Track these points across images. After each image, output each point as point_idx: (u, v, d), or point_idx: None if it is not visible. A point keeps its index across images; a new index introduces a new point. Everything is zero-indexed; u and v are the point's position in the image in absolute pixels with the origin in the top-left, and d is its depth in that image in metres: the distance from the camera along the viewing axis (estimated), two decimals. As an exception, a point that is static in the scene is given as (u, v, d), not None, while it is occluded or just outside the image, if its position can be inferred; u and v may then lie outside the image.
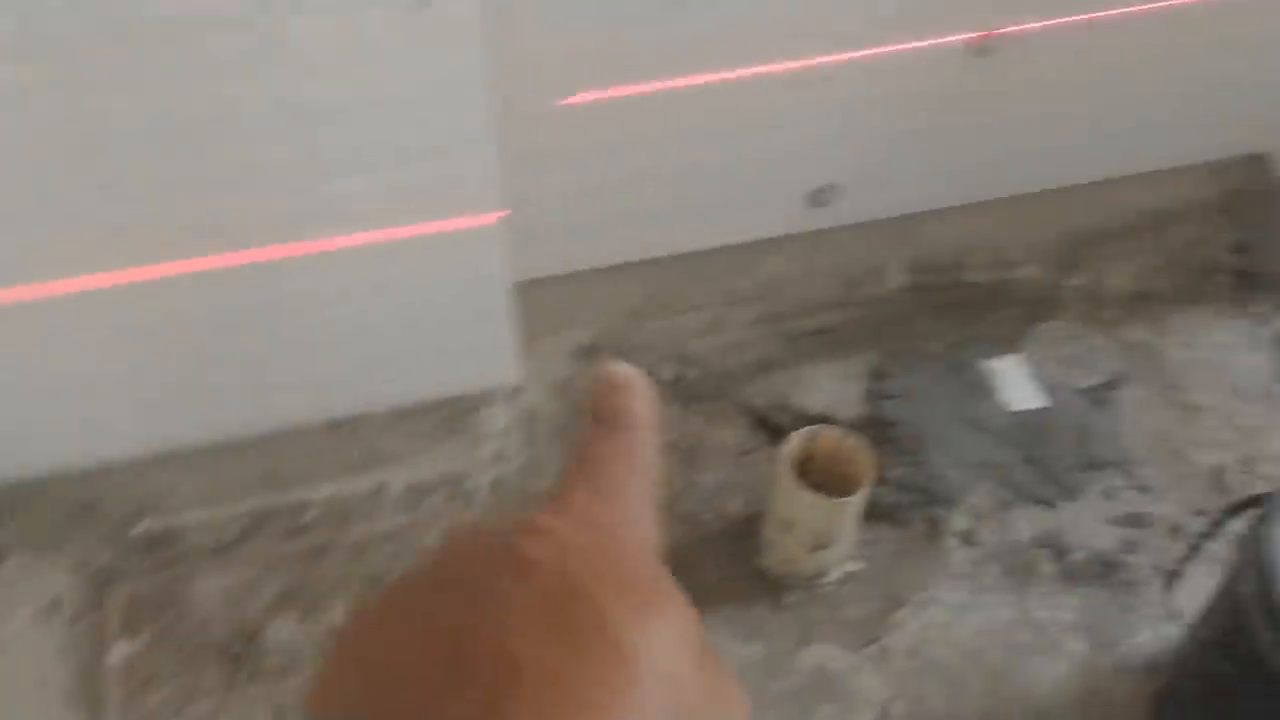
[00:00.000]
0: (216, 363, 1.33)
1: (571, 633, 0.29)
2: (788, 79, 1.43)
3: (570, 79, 1.35)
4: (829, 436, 1.49)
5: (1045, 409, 1.71)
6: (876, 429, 1.70)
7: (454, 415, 1.57)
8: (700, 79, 1.41)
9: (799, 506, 1.44)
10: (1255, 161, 1.80)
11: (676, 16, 1.33)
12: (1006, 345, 1.79)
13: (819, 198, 1.61)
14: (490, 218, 1.24)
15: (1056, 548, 1.58)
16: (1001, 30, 1.46)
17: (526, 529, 0.33)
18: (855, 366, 1.77)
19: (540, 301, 1.68)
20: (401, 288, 1.31)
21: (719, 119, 1.47)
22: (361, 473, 1.60)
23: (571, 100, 1.37)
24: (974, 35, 1.46)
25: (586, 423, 0.38)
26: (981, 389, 1.74)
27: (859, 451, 1.46)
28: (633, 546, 0.34)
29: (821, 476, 1.54)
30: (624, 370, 0.38)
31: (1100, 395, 1.73)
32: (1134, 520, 1.61)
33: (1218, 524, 1.29)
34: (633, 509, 0.35)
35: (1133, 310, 1.83)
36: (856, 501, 1.43)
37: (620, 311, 1.74)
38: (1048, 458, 1.67)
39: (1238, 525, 1.29)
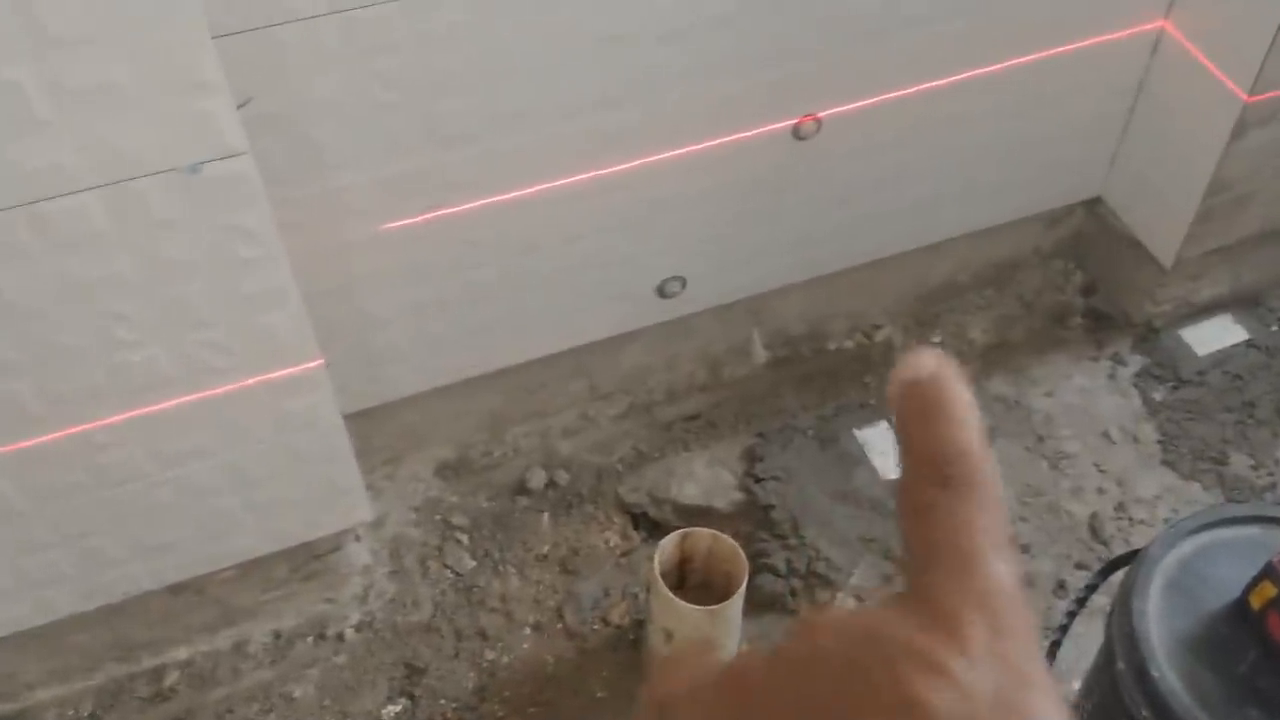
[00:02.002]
0: (44, 546, 1.24)
1: None
2: (622, 179, 1.41)
3: (395, 204, 1.31)
4: (701, 537, 1.46)
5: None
6: (755, 514, 1.68)
7: (310, 559, 1.50)
8: (531, 190, 1.38)
9: (677, 617, 1.40)
10: (1091, 206, 1.84)
11: (500, 132, 1.30)
12: (874, 411, 1.78)
13: (667, 289, 1.59)
14: (310, 364, 1.18)
15: (943, 618, 1.57)
16: (824, 112, 1.46)
17: (920, 661, 0.28)
18: (728, 450, 1.74)
19: (397, 424, 1.62)
20: (229, 445, 1.24)
21: (556, 225, 1.44)
22: (218, 631, 1.51)
23: (395, 224, 1.32)
24: (798, 119, 1.46)
25: (913, 463, 0.32)
26: (854, 459, 1.73)
27: (734, 550, 1.43)
28: (1046, 702, 0.29)
29: (701, 576, 1.50)
30: (932, 365, 0.33)
31: (971, 453, 1.73)
32: (1016, 580, 1.61)
33: (1081, 601, 1.28)
34: (1032, 639, 0.30)
35: (993, 362, 1.85)
36: (733, 605, 1.39)
37: (482, 422, 1.69)
38: (926, 524, 1.66)
39: (1116, 576, 1.29)
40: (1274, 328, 1.84)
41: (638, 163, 1.41)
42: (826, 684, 0.29)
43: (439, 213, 1.35)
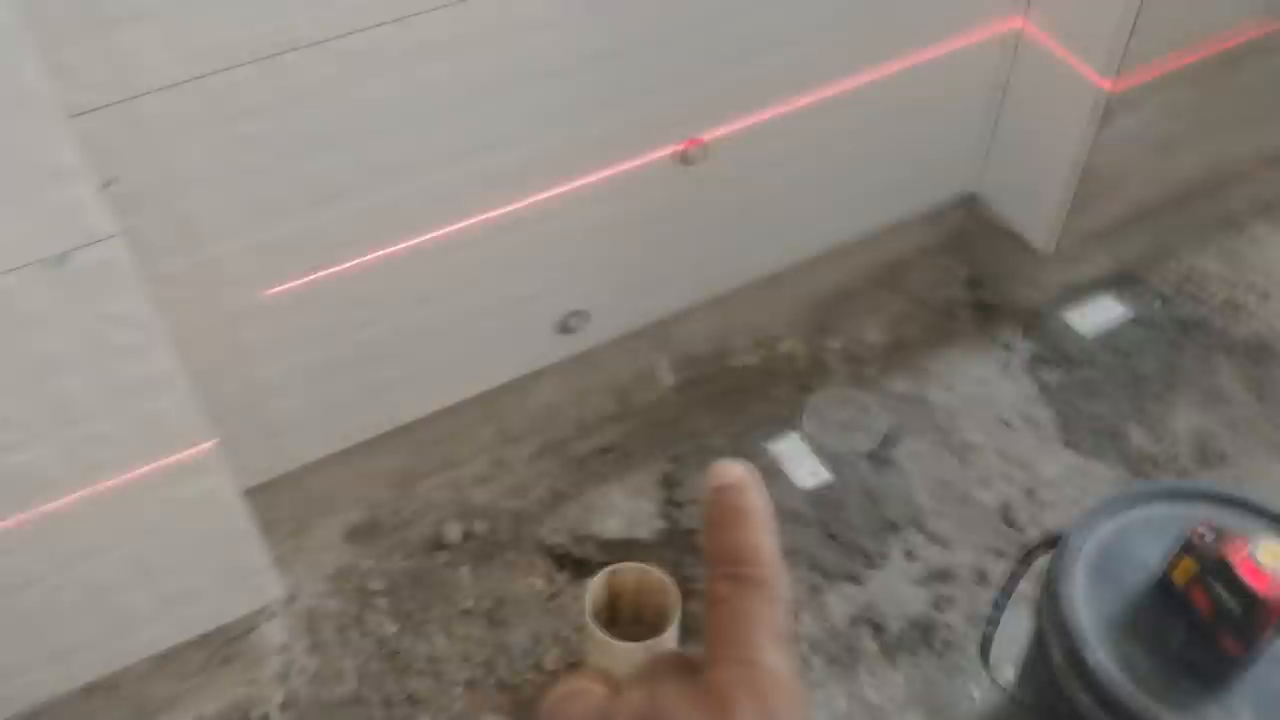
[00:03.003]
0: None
1: None
2: (512, 220, 1.39)
3: (275, 268, 1.26)
4: (629, 572, 1.43)
5: (833, 481, 1.72)
6: (679, 539, 1.66)
7: (225, 644, 1.43)
8: (417, 240, 1.34)
9: (611, 657, 1.38)
10: (969, 201, 1.89)
11: (378, 186, 1.26)
12: (784, 423, 1.79)
13: (569, 324, 1.56)
14: (203, 446, 1.12)
15: (873, 623, 1.58)
16: (705, 136, 1.46)
17: None
18: (645, 478, 1.72)
19: (301, 492, 1.56)
20: (128, 538, 1.17)
21: (447, 273, 1.40)
22: (134, 730, 1.43)
23: (277, 290, 1.27)
24: (683, 144, 1.45)
25: (711, 560, 0.37)
26: (769, 473, 1.73)
27: (663, 582, 1.41)
28: None
29: (633, 611, 1.48)
30: (736, 475, 0.37)
31: (881, 455, 1.75)
32: (939, 576, 1.63)
33: (1008, 589, 1.30)
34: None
35: (892, 361, 1.87)
36: (668, 638, 1.37)
37: (390, 480, 1.64)
38: (846, 530, 1.67)
39: (1040, 563, 1.31)
40: (1154, 303, 1.91)
41: (526, 202, 1.39)
42: None
43: (322, 273, 1.30)
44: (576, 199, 1.41)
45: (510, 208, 1.38)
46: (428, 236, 1.34)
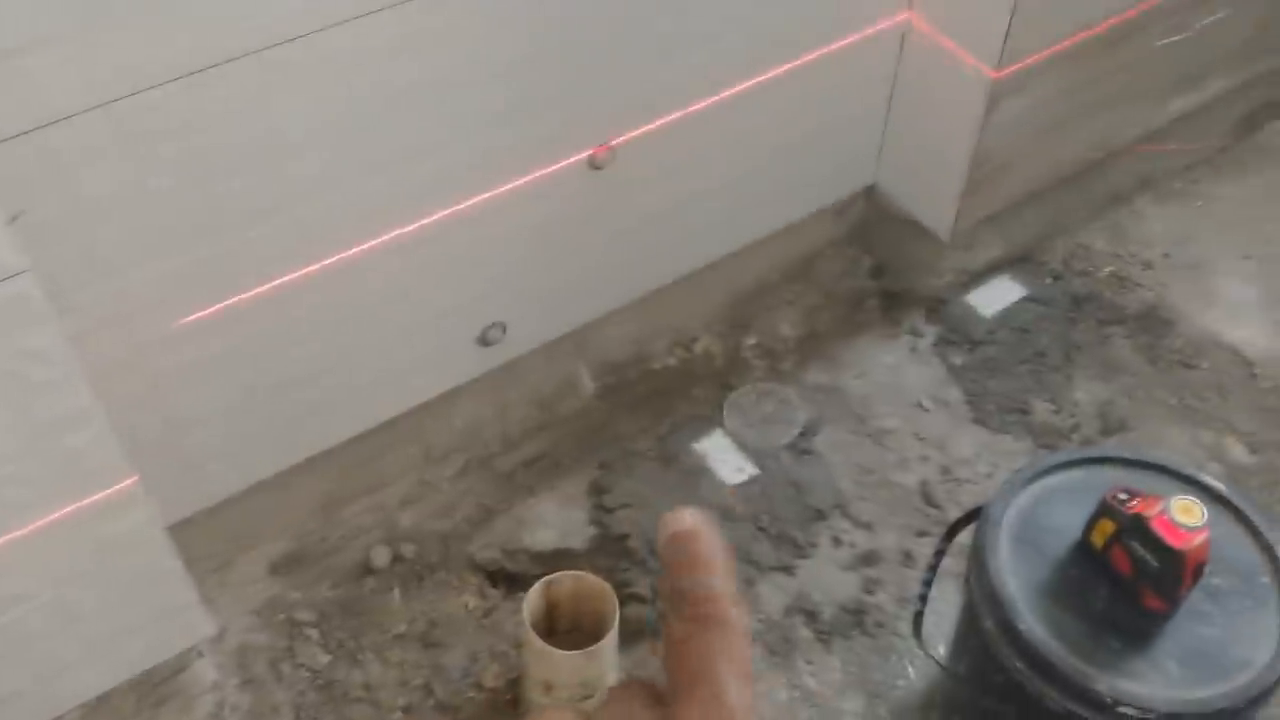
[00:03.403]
0: None
1: None
2: (425, 234, 1.38)
3: (189, 296, 1.23)
4: (564, 580, 1.43)
5: (758, 475, 1.74)
6: (611, 545, 1.67)
7: (156, 686, 1.38)
8: (329, 261, 1.32)
9: (552, 666, 1.37)
10: (869, 193, 1.94)
11: (289, 207, 1.24)
12: (708, 421, 1.81)
13: (488, 337, 1.56)
14: (124, 483, 1.09)
15: (807, 611, 1.61)
16: (614, 141, 1.48)
17: None
18: (574, 487, 1.73)
19: (224, 526, 1.52)
20: (51, 583, 1.13)
21: (360, 293, 1.38)
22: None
23: (191, 318, 1.24)
24: (590, 151, 1.46)
25: (671, 603, 0.39)
26: (697, 472, 1.75)
27: (599, 587, 1.41)
28: None
29: (571, 620, 1.48)
30: (689, 522, 0.40)
31: (802, 445, 1.79)
32: (866, 559, 1.67)
33: (934, 566, 1.34)
34: None
35: (807, 353, 1.91)
36: (607, 643, 1.38)
37: (314, 508, 1.61)
38: (774, 522, 1.70)
39: (964, 538, 1.35)
40: (1048, 281, 1.99)
41: (439, 215, 1.38)
42: None
43: (236, 299, 1.28)
44: (490, 209, 1.41)
45: (424, 221, 1.37)
46: (341, 256, 1.33)
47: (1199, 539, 1.00)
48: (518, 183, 1.42)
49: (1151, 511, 1.05)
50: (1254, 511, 1.14)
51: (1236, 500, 1.15)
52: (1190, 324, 1.92)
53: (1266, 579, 1.10)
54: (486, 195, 1.40)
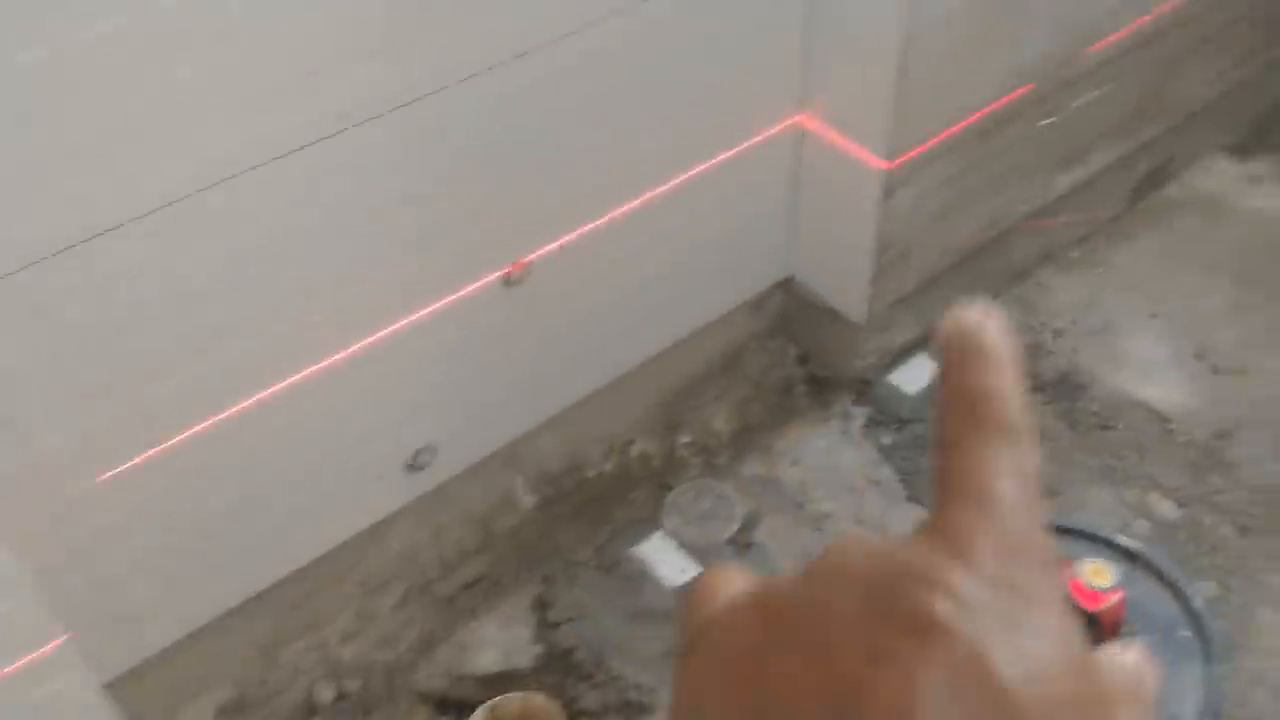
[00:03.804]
0: None
1: None
2: (343, 367, 1.39)
3: (105, 453, 1.23)
4: (510, 702, 1.42)
5: (701, 573, 1.75)
6: (558, 661, 1.66)
7: None
8: (246, 402, 1.33)
9: (507, 790, 1.36)
10: (787, 284, 1.99)
11: (200, 354, 1.25)
12: (647, 524, 1.82)
13: (419, 461, 1.57)
14: (54, 644, 1.08)
15: (762, 706, 1.60)
16: (527, 258, 1.51)
17: (925, 578, 0.29)
18: (517, 605, 1.72)
19: (164, 677, 1.49)
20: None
21: (283, 430, 1.39)
22: None
23: (110, 474, 1.24)
24: (506, 269, 1.50)
25: (949, 405, 0.33)
26: (639, 578, 1.76)
27: (544, 707, 1.41)
28: (1061, 641, 0.30)
29: (522, 740, 1.47)
30: (977, 318, 0.33)
31: (743, 539, 1.80)
32: (816, 648, 1.67)
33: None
34: (1048, 569, 0.31)
35: (742, 445, 1.94)
36: (561, 761, 1.37)
37: (254, 651, 1.58)
38: (722, 619, 1.70)
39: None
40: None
41: (357, 346, 1.40)
42: (850, 601, 0.30)
43: (154, 451, 1.28)
44: (408, 335, 1.43)
45: (342, 354, 1.39)
46: (258, 397, 1.34)
47: (1112, 599, 1.03)
48: (434, 306, 1.45)
49: (1065, 577, 1.08)
50: (1169, 567, 1.17)
51: (1152, 557, 1.18)
52: (1103, 386, 1.98)
53: (1187, 632, 1.13)
54: (404, 322, 1.43)
